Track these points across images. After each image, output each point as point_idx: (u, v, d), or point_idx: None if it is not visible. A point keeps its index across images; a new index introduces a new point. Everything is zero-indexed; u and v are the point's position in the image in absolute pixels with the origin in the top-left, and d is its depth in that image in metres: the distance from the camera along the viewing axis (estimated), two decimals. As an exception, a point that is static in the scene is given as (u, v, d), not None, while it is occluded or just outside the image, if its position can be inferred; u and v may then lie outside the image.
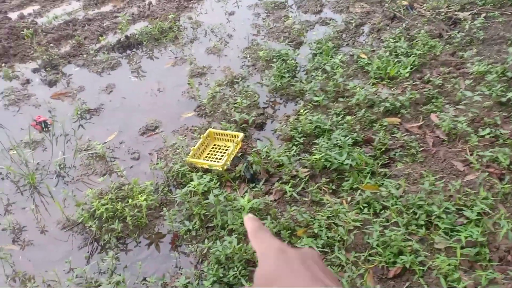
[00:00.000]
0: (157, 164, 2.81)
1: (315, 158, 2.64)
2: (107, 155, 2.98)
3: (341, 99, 3.21)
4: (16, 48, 4.38)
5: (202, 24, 4.69)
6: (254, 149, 2.88)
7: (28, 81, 3.91)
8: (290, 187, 2.49)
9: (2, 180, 2.86)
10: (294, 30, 4.25)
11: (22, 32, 4.54)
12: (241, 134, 2.86)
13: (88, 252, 2.33)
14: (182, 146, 2.90)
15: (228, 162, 2.74)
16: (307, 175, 2.63)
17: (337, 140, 2.76)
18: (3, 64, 4.10)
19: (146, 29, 4.38)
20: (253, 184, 2.61)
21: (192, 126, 3.22)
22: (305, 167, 2.73)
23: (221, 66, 3.93)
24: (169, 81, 3.80)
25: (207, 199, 2.44)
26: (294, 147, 2.83)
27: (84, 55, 4.20)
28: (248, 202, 2.28)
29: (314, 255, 0.55)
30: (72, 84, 3.84)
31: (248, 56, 3.99)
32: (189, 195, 2.47)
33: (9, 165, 2.88)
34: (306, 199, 2.49)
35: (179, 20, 4.76)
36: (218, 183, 2.60)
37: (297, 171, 2.66)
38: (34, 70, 4.08)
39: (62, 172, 2.87)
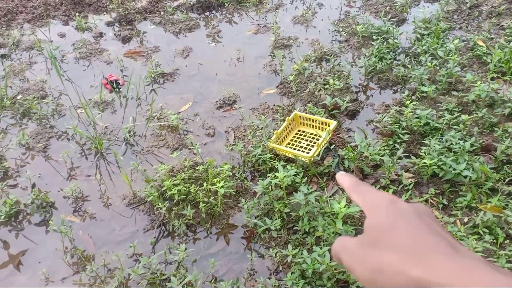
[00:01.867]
0: (234, 145, 2.49)
1: (424, 162, 2.19)
2: (180, 127, 2.69)
3: (454, 93, 2.70)
4: (92, -2, 4.16)
5: (289, -11, 4.22)
6: (347, 142, 2.47)
7: (101, 35, 3.68)
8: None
9: (67, 141, 2.65)
10: (397, 4, 3.69)
11: (99, -19, 4.30)
12: (333, 122, 2.46)
13: (154, 237, 2.07)
14: (262, 128, 2.55)
15: (317, 154, 2.36)
16: (411, 182, 2.20)
17: (451, 144, 2.30)
18: (77, 14, 3.89)
19: (228, -10, 3.99)
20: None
21: (274, 105, 2.85)
22: (407, 171, 2.30)
23: (308, 38, 3.49)
24: (250, 51, 3.42)
25: (291, 194, 2.09)
26: (396, 145, 2.39)
27: (161, 12, 3.89)
28: (343, 208, 1.89)
29: (428, 211, 0.46)
30: (147, 43, 3.56)
31: (341, 30, 3.51)
32: (270, 187, 2.13)
33: (76, 124, 2.67)
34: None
35: (263, -17, 4.31)
36: (304, 177, 2.23)
37: (399, 175, 2.24)
38: (108, 24, 3.84)
39: (132, 140, 2.62)
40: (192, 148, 2.51)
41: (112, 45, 3.55)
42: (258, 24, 3.72)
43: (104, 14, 4.00)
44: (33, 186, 2.35)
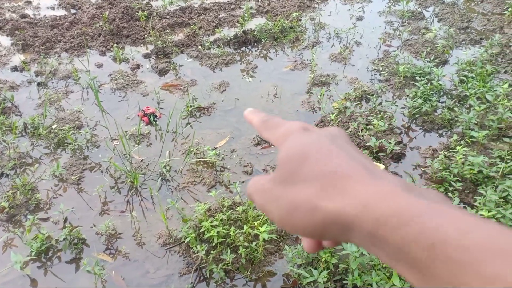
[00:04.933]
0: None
1: (481, 214, 2.02)
2: (217, 164, 2.60)
3: (505, 139, 2.55)
4: (129, 29, 4.21)
5: (325, 27, 4.20)
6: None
7: (138, 66, 3.69)
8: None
9: (101, 173, 2.58)
10: (438, 45, 3.61)
11: (136, 13, 4.38)
12: (381, 166, 2.33)
13: (191, 283, 1.93)
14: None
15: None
16: (468, 235, 2.03)
17: (508, 195, 2.13)
18: (115, 45, 3.93)
19: (266, 26, 3.99)
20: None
21: (314, 143, 2.74)
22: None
23: (347, 77, 3.42)
24: (287, 87, 3.36)
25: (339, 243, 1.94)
26: (448, 193, 2.24)
27: (198, 46, 3.90)
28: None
29: (343, 133, 0.41)
30: (183, 76, 3.54)
31: (381, 69, 3.43)
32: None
33: (111, 157, 2.61)
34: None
35: (300, 20, 4.31)
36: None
37: (454, 227, 2.07)
38: (145, 56, 3.85)
39: (167, 176, 2.53)
40: (230, 186, 2.40)
41: (149, 77, 3.54)
42: (295, 61, 3.67)
43: (141, 46, 4.02)
44: (65, 220, 2.26)
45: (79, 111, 3.09)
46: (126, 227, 2.24)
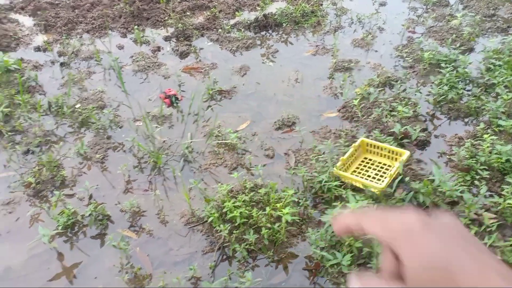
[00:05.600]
0: (296, 168, 2.37)
1: (509, 203, 2.00)
2: (238, 147, 2.59)
3: (533, 129, 2.50)
4: (149, 12, 4.20)
5: (347, 12, 4.14)
6: (419, 174, 2.31)
7: (159, 49, 3.69)
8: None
9: (124, 153, 2.60)
10: (464, 33, 3.53)
11: (157, -4, 4.36)
12: (406, 153, 2.30)
13: (214, 261, 1.95)
14: (324, 152, 2.43)
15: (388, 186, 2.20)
16: (493, 224, 2.01)
17: (536, 184, 2.10)
18: (136, 26, 3.93)
19: (287, 10, 3.95)
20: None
21: (336, 129, 2.72)
22: (487, 210, 2.10)
23: (370, 62, 3.37)
24: (308, 72, 3.33)
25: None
26: (475, 181, 2.21)
27: (219, 30, 3.88)
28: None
29: (460, 225, 0.39)
30: (204, 59, 3.53)
31: (405, 56, 3.37)
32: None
33: (134, 137, 2.62)
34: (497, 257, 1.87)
35: (321, 4, 4.25)
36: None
37: (479, 215, 2.05)
38: (166, 38, 3.85)
39: (189, 157, 2.54)
40: (252, 169, 2.41)
41: (170, 60, 3.54)
42: (317, 46, 3.63)
43: (162, 29, 4.02)
44: (90, 197, 2.29)
45: (101, 92, 3.11)
46: (150, 205, 2.26)
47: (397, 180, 2.17)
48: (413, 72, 3.20)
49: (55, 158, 2.51)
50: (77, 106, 2.94)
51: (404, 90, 2.96)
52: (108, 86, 3.21)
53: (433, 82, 3.00)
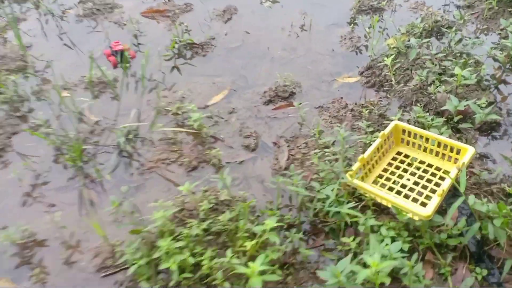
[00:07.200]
0: (286, 169, 1.50)
1: None
2: (205, 132, 1.72)
3: None
4: None
5: None
6: (484, 182, 1.39)
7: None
8: None
9: (37, 141, 1.75)
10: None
11: None
12: (469, 150, 1.38)
13: None
14: (334, 143, 1.55)
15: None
16: None
17: None
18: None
19: None
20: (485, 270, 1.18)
21: (356, 103, 1.80)
22: None
23: (410, 0, 2.35)
24: (320, 15, 2.36)
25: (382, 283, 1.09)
26: None
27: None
28: None
29: None
30: (176, -1, 2.59)
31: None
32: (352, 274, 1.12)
33: (58, 114, 1.79)
34: None
35: None
36: (409, 247, 1.21)
37: None
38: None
39: (129, 148, 1.69)
40: (223, 167, 1.55)
41: (129, 0, 2.60)
42: (334, -22, 2.60)
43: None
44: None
45: (27, 46, 2.25)
46: (53, 231, 1.44)
47: (455, 205, 1.25)
48: (472, 14, 2.18)
49: None
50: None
51: (460, 41, 1.97)
52: (39, 38, 2.34)
53: (503, 29, 1.98)
